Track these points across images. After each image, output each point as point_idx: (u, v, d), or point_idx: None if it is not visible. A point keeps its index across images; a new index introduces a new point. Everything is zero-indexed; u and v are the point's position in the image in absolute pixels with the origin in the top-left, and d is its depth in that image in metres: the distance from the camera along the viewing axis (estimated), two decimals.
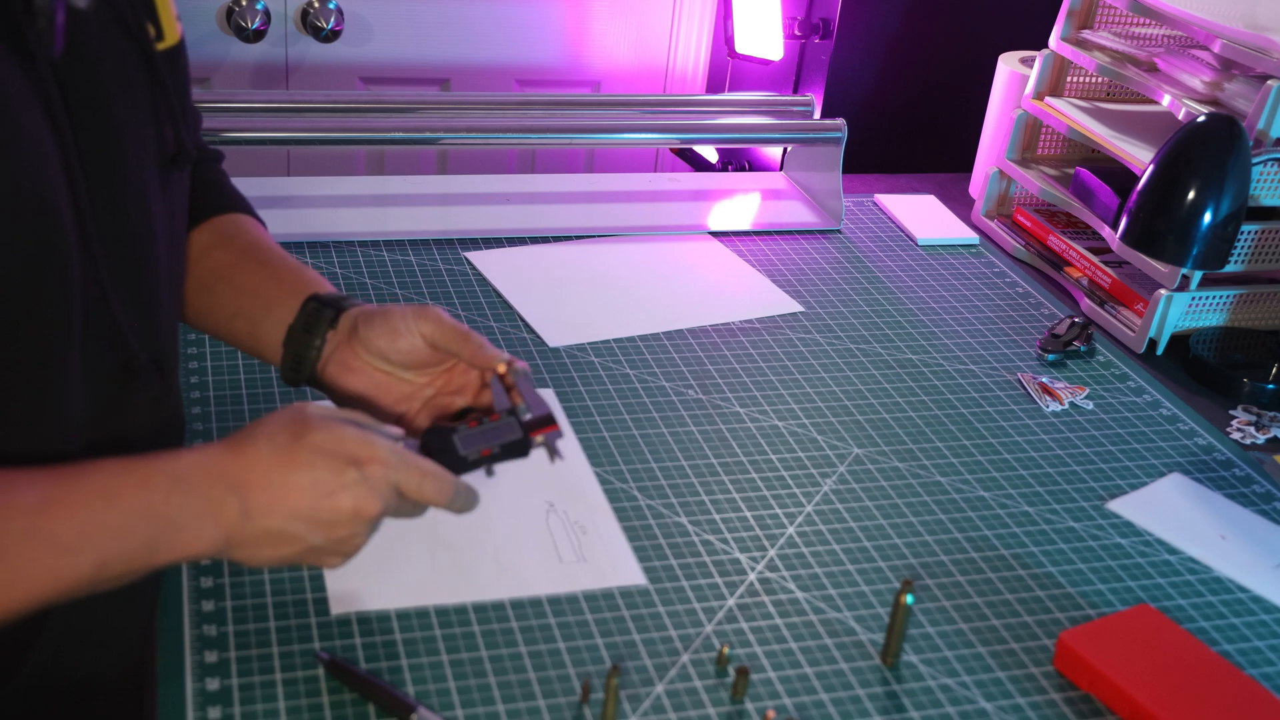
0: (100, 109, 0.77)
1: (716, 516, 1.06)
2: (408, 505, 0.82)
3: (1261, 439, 1.26)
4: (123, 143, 0.79)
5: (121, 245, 0.80)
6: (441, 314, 0.91)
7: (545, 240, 1.51)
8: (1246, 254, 1.39)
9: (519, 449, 0.88)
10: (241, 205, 1.03)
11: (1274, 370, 1.35)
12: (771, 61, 1.96)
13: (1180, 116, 1.36)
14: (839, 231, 1.62)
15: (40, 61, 0.72)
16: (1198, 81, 1.38)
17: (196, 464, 0.76)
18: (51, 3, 0.69)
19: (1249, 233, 1.37)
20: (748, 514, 1.07)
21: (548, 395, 1.20)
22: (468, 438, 0.86)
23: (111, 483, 0.73)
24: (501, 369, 0.90)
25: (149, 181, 0.83)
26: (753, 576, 1.00)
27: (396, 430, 0.83)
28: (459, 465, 0.86)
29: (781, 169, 1.78)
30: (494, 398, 0.90)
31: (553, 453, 0.89)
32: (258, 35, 1.95)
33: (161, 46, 0.84)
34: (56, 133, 0.73)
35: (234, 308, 0.96)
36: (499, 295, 1.38)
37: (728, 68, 2.11)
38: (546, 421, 0.88)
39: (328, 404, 0.85)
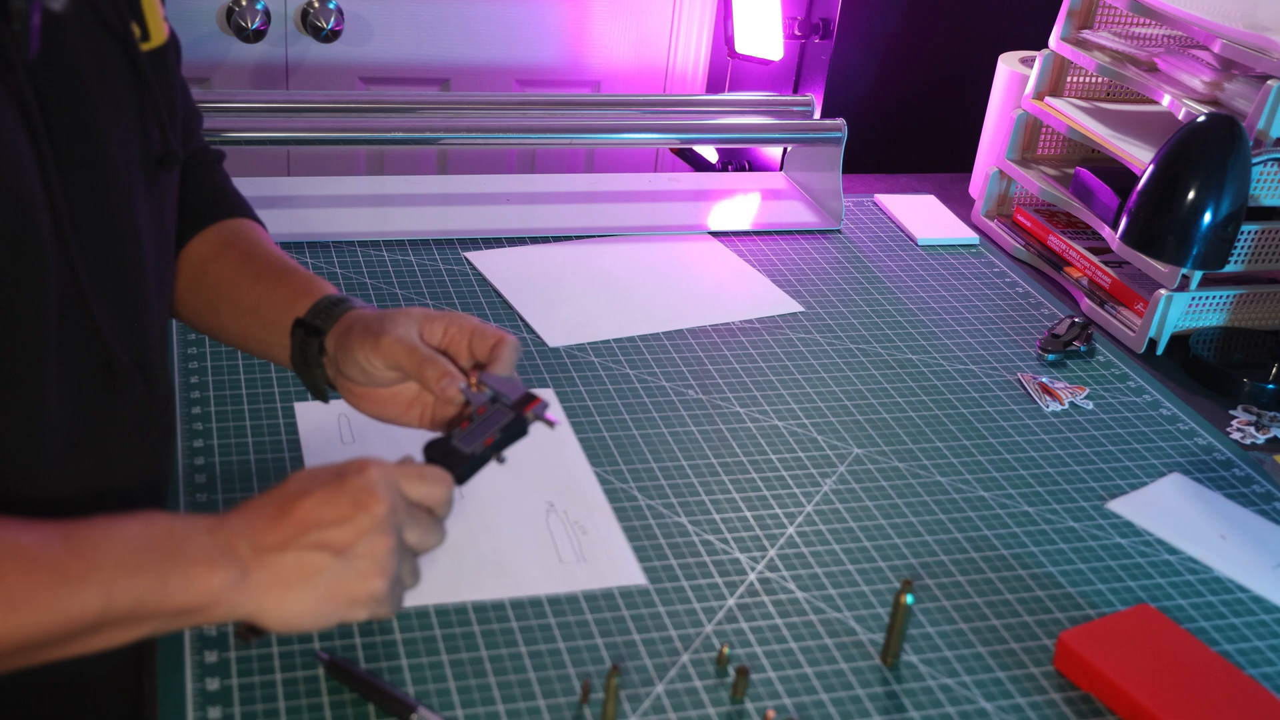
0: (80, 110, 0.77)
1: (716, 516, 1.06)
2: (421, 517, 0.79)
3: (1261, 439, 1.26)
4: (104, 144, 0.79)
5: (103, 247, 0.79)
6: (394, 344, 0.86)
7: (545, 240, 1.52)
8: (1246, 254, 1.39)
9: (518, 428, 0.86)
10: (242, 209, 1.02)
11: (1274, 370, 1.35)
12: (771, 61, 1.96)
13: (1180, 116, 1.36)
14: (839, 231, 1.62)
15: (15, 64, 0.71)
16: (1198, 81, 1.38)
17: (195, 516, 0.75)
18: (27, 6, 0.69)
19: (1249, 233, 1.37)
20: (748, 514, 1.07)
21: (547, 395, 1.20)
22: (465, 436, 0.85)
23: (113, 519, 0.71)
24: (461, 389, 0.87)
25: (134, 183, 0.82)
26: (753, 576, 1.00)
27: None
28: (466, 464, 0.85)
29: (781, 169, 1.78)
30: (472, 400, 0.87)
31: (548, 423, 0.86)
32: (258, 35, 1.94)
33: (147, 47, 0.83)
34: (32, 135, 0.73)
35: (241, 329, 0.96)
36: (499, 295, 1.38)
37: (728, 68, 2.11)
38: (530, 399, 0.87)
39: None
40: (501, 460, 0.86)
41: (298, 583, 0.73)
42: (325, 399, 0.94)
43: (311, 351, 0.91)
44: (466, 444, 0.85)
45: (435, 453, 0.85)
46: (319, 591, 0.74)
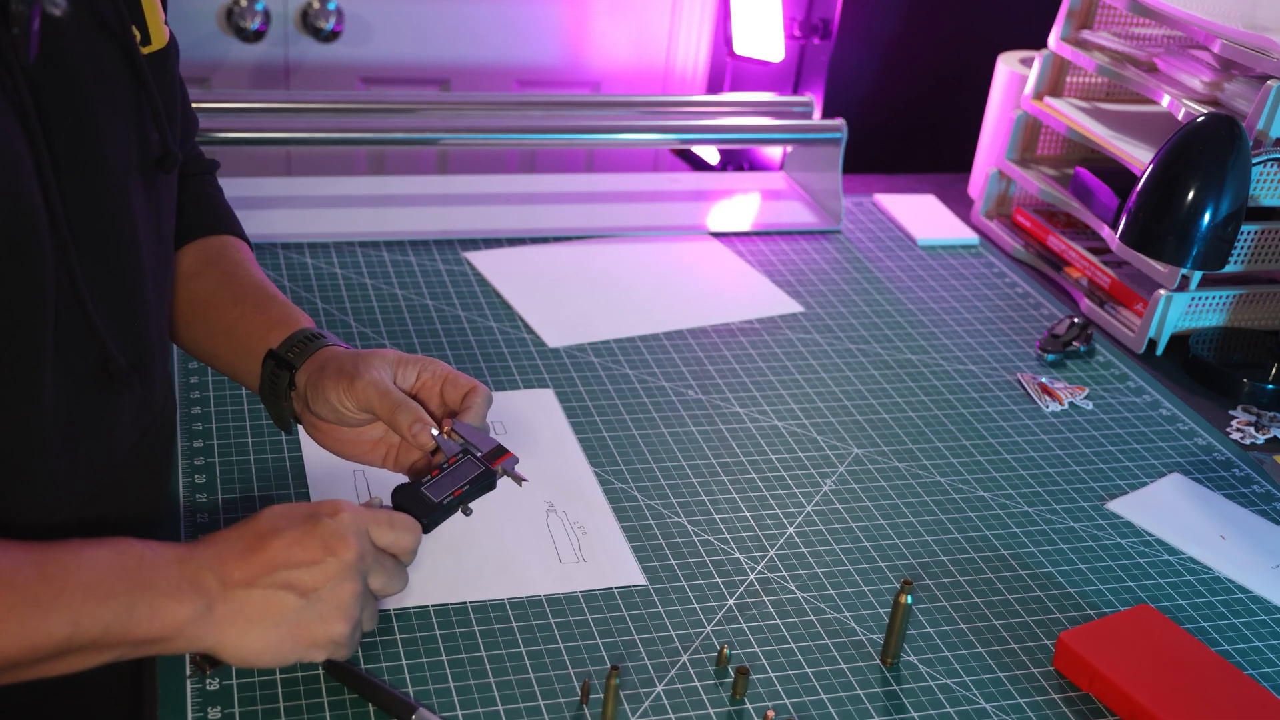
0: (78, 113, 0.77)
1: (716, 516, 1.06)
2: (387, 563, 0.81)
3: (1261, 439, 1.26)
4: (102, 146, 0.79)
5: (101, 248, 0.79)
6: (368, 386, 0.87)
7: (545, 240, 1.52)
8: (1246, 254, 1.39)
9: (486, 482, 0.88)
10: (229, 226, 1.03)
11: (1274, 370, 1.35)
12: (771, 62, 1.96)
13: (1180, 116, 1.36)
14: (839, 232, 1.62)
15: (14, 67, 0.71)
16: (1198, 81, 1.38)
17: (167, 546, 0.76)
18: (28, 10, 0.69)
19: (1249, 233, 1.37)
20: (748, 514, 1.07)
21: (547, 395, 1.20)
22: (435, 485, 0.87)
23: (86, 545, 0.72)
24: (433, 435, 0.88)
25: (132, 185, 0.82)
26: (753, 576, 1.00)
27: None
28: (435, 513, 0.86)
29: (781, 169, 1.79)
30: (444, 447, 0.89)
31: (516, 479, 0.89)
32: (258, 36, 1.95)
33: (148, 50, 0.84)
34: (30, 137, 0.73)
35: (213, 348, 0.97)
36: (499, 295, 1.38)
37: (728, 68, 2.11)
38: (500, 452, 0.89)
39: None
40: (468, 512, 0.88)
41: (261, 620, 0.75)
42: (290, 431, 0.96)
43: (281, 384, 0.92)
44: (436, 493, 0.86)
45: (403, 498, 0.86)
46: (281, 631, 0.76)
